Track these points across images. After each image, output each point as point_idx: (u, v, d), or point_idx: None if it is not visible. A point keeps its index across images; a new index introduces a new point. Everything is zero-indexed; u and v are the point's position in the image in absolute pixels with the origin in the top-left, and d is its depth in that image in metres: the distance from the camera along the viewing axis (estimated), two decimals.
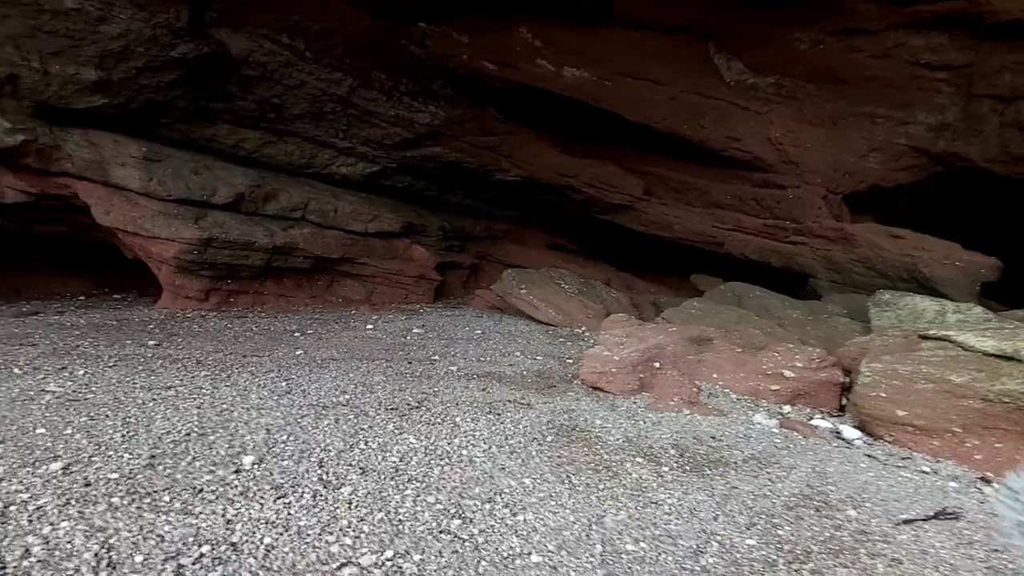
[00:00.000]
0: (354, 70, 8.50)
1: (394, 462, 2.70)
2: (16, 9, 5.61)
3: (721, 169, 9.84)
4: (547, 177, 10.95)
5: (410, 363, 4.54)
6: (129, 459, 2.57)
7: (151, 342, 4.88)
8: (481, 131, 10.36)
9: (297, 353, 4.72)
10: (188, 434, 2.91)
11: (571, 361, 4.78)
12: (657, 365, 3.96)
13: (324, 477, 2.48)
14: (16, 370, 3.80)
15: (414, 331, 5.82)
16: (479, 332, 5.85)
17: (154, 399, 3.43)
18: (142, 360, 4.30)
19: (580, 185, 10.96)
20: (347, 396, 3.63)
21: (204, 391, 3.64)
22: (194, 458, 2.63)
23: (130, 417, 3.10)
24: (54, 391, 3.43)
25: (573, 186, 10.98)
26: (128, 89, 6.76)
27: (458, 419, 3.32)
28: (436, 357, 4.78)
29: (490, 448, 2.92)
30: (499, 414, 3.42)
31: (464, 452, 2.87)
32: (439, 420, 3.32)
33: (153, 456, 2.62)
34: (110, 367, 4.06)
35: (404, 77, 9.12)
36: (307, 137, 9.12)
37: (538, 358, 4.84)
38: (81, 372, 3.87)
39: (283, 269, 8.20)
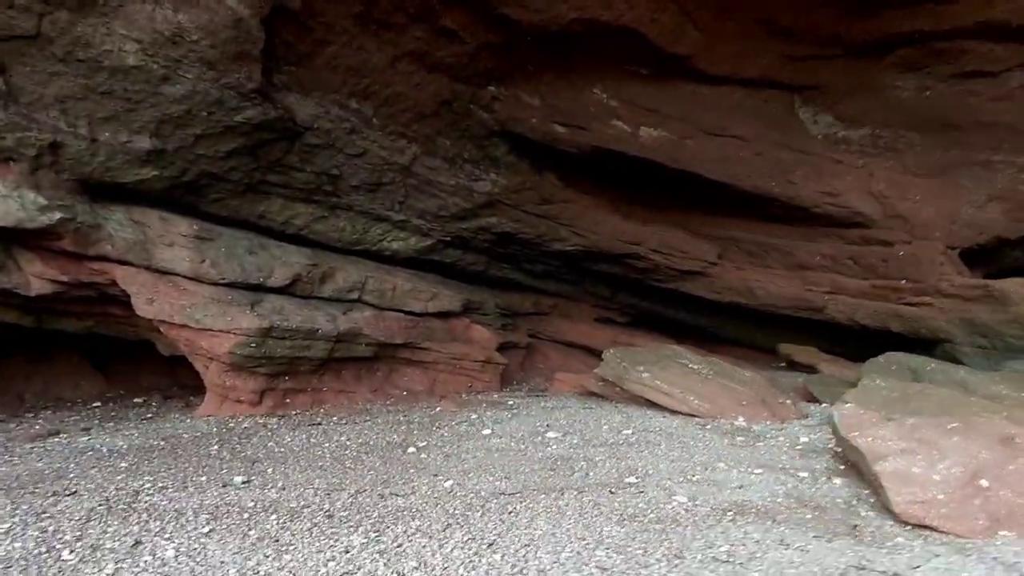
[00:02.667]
0: (419, 137, 7.81)
1: None
2: (70, 67, 4.76)
3: (806, 227, 9.15)
4: (610, 245, 10.16)
5: (613, 493, 3.27)
6: None
7: (237, 478, 3.53)
8: (541, 199, 9.64)
9: (447, 485, 3.42)
10: None
11: (805, 475, 3.56)
12: (984, 483, 2.83)
13: None
14: (67, 554, 2.45)
15: (549, 436, 4.57)
16: (628, 432, 4.62)
17: None
18: (247, 516, 2.98)
19: (646, 252, 10.17)
20: None
21: None
22: None
23: None
24: None
25: (638, 254, 10.18)
26: (183, 160, 5.86)
27: None
28: (631, 479, 3.50)
29: None
30: None
31: None
32: None
33: None
34: (207, 536, 2.71)
35: (468, 144, 8.47)
36: (361, 211, 8.25)
37: (757, 472, 3.61)
38: (171, 552, 2.52)
39: (343, 360, 6.99)
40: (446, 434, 4.71)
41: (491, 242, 9.93)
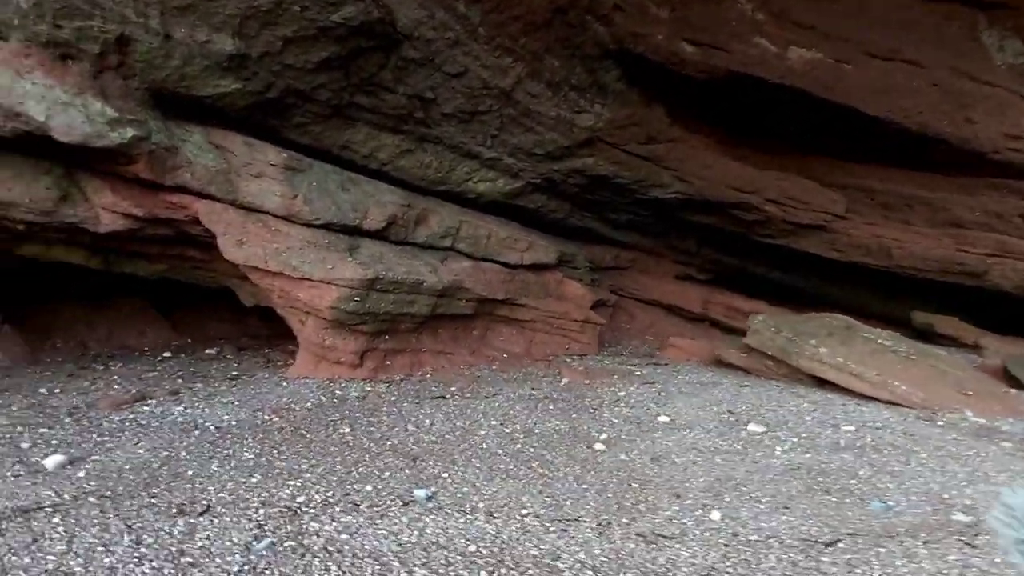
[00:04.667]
0: (526, 55, 6.54)
1: None
2: None
3: (966, 177, 7.76)
4: (717, 193, 8.89)
5: (973, 546, 2.21)
6: None
7: (418, 491, 2.61)
8: (646, 137, 8.35)
9: (714, 517, 2.45)
10: None
11: None
12: None
13: None
14: None
15: (754, 431, 3.56)
16: (850, 429, 3.60)
17: None
18: (493, 571, 2.01)
19: (759, 202, 8.88)
20: None
21: None
22: None
23: None
24: None
25: (749, 203, 8.91)
26: (267, 71, 4.77)
27: None
28: (959, 516, 2.41)
29: None
30: None
31: None
32: None
33: None
34: None
35: (578, 66, 7.16)
36: (451, 144, 7.12)
37: None
38: None
39: (440, 317, 6.07)
40: (616, 420, 3.78)
41: (580, 187, 8.76)
